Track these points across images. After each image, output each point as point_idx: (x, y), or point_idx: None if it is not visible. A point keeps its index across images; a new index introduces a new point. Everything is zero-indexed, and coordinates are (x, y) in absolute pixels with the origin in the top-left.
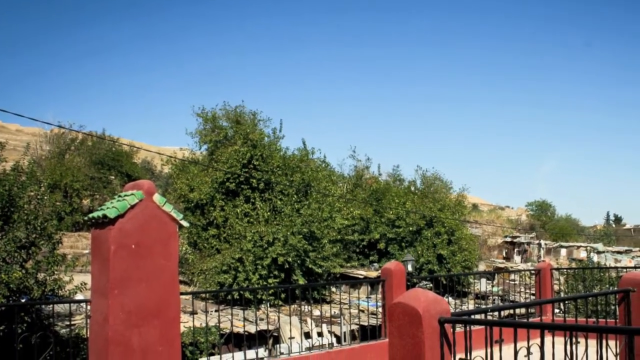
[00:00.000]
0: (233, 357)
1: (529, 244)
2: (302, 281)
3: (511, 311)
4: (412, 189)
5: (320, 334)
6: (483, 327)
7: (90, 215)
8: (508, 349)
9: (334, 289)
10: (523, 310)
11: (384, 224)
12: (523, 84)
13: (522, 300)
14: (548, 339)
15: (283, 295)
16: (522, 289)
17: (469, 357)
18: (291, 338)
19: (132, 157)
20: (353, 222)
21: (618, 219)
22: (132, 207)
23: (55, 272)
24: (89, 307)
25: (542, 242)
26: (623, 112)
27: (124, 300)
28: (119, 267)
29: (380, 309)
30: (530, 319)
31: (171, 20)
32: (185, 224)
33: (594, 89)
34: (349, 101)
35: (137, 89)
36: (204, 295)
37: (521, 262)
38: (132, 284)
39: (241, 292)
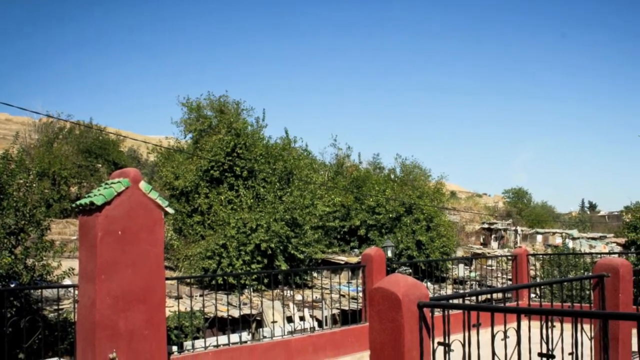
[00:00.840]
0: (217, 340)
1: (505, 230)
2: (284, 267)
3: (488, 296)
4: (392, 176)
5: (302, 318)
6: (461, 311)
7: (78, 203)
8: (485, 333)
9: (315, 275)
10: (500, 295)
11: (364, 210)
12: (500, 74)
13: (499, 285)
14: (524, 323)
15: (266, 281)
16: (499, 274)
17: (447, 341)
18: (274, 322)
19: (119, 145)
20: (334, 209)
21: (593, 206)
22: (119, 194)
23: (44, 258)
24: (76, 292)
25: (519, 228)
26: (597, 101)
27: (110, 285)
28: (105, 253)
29: (360, 294)
30: (507, 304)
31: (157, 12)
32: (170, 210)
33: (569, 79)
34: (330, 91)
35: (123, 79)
36: (188, 280)
37: (498, 248)
38: (118, 269)
39: (225, 277)
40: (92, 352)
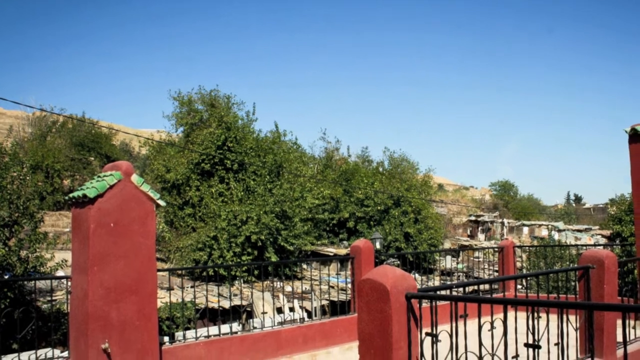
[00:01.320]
0: (208, 331)
1: (492, 222)
2: (274, 258)
3: (475, 287)
4: (380, 169)
5: (292, 309)
6: (448, 302)
7: (71, 195)
8: (472, 324)
9: (305, 266)
10: (487, 286)
11: (353, 203)
12: (486, 68)
13: (486, 277)
14: (511, 314)
15: (256, 272)
16: (486, 266)
17: (434, 332)
18: (264, 313)
19: (111, 139)
20: (323, 201)
21: (578, 199)
22: (111, 187)
23: (37, 250)
24: (69, 283)
25: (505, 220)
26: (582, 95)
27: (103, 276)
28: (98, 244)
29: (349, 285)
30: (494, 295)
31: (148, 7)
32: (162, 203)
33: (554, 73)
34: (319, 85)
35: (116, 73)
36: (180, 272)
37: (485, 240)
38: (111, 261)
39: (216, 268)
40: (84, 343)
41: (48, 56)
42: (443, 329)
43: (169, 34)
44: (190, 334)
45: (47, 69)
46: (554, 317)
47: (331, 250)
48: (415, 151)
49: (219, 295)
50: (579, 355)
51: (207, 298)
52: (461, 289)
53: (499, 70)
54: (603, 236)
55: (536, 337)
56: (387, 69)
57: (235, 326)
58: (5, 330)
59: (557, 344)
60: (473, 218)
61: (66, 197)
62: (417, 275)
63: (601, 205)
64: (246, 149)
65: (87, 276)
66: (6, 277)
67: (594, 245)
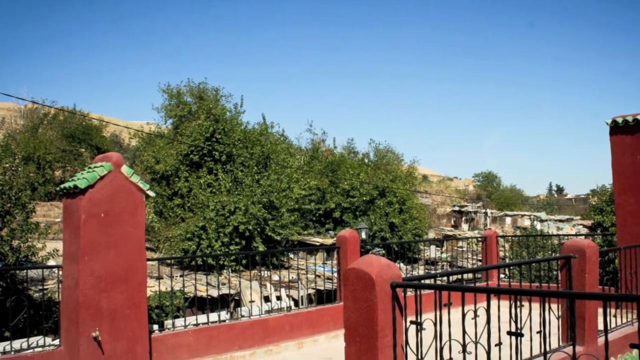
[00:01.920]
0: (197, 319)
1: (475, 212)
2: (262, 248)
3: (459, 276)
4: (366, 161)
5: (279, 298)
6: (433, 291)
7: (62, 186)
8: (456, 312)
9: (292, 256)
10: (470, 276)
11: (339, 194)
12: (470, 61)
13: (470, 266)
14: (494, 303)
15: (244, 261)
16: (470, 256)
17: (419, 320)
18: (251, 301)
19: (102, 131)
20: (310, 192)
21: (560, 189)
22: (102, 178)
23: (29, 240)
24: (60, 273)
25: (488, 211)
26: (564, 88)
27: (93, 266)
28: (89, 234)
29: (335, 274)
30: (477, 284)
31: (139, 1)
32: (151, 194)
33: (537, 66)
34: (306, 78)
35: (106, 66)
36: (169, 261)
37: (468, 230)
38: (101, 250)
39: (204, 258)
40: (75, 331)
41: (40, 49)
42: (427, 318)
43: (159, 28)
44: (179, 322)
45: (39, 62)
46: (536, 306)
47: (317, 240)
48: (400, 143)
49: (208, 284)
50: (560, 343)
51: (195, 287)
52: (445, 278)
53: (482, 63)
54: (584, 226)
55: (519, 326)
56: (372, 62)
57: (224, 314)
58: None
59: (539, 332)
60: (457, 208)
61: (57, 188)
62: (402, 264)
63: (583, 196)
64: (234, 141)
65: (78, 265)
66: None
67: (576, 235)
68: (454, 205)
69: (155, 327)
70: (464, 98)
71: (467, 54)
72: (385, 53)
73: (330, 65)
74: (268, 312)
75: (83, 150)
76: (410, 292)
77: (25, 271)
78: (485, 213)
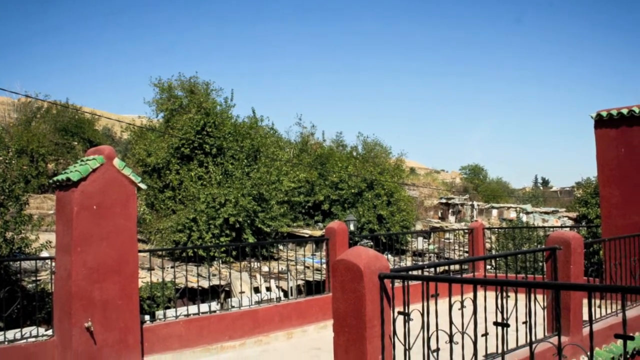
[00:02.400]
0: (187, 310)
1: (462, 205)
2: (251, 240)
3: (446, 267)
4: (354, 154)
5: (268, 289)
6: (420, 282)
7: (55, 178)
8: (443, 303)
9: (281, 247)
10: (457, 267)
11: (327, 186)
12: (458, 56)
13: (457, 258)
14: (480, 294)
15: (234, 253)
16: (457, 247)
17: (406, 310)
18: (241, 292)
19: (94, 124)
20: (299, 184)
21: (545, 182)
22: (94, 170)
23: (23, 231)
24: (53, 264)
25: (475, 203)
26: (550, 82)
27: (86, 257)
28: (81, 226)
29: (324, 266)
30: (464, 275)
31: None
32: (143, 186)
33: (523, 61)
34: (295, 73)
35: (98, 60)
36: (160, 252)
37: (455, 222)
38: (93, 242)
39: (195, 249)
40: (68, 321)
41: (33, 43)
42: (415, 308)
43: (150, 22)
44: (170, 312)
45: (33, 56)
46: (522, 297)
47: (307, 231)
48: (388, 136)
49: (198, 275)
50: (546, 334)
51: (186, 278)
52: (432, 270)
53: (470, 57)
54: (570, 218)
55: (505, 316)
56: (361, 56)
57: (214, 305)
58: None
59: (525, 323)
60: (444, 201)
61: (50, 181)
62: (389, 256)
63: (568, 189)
64: (224, 134)
65: (71, 257)
66: None
67: (561, 227)
68: (441, 198)
69: (147, 317)
70: (452, 91)
71: (454, 48)
72: (373, 47)
73: (319, 59)
74: (258, 303)
75: (76, 143)
76: (397, 283)
77: (18, 262)
78: (472, 205)
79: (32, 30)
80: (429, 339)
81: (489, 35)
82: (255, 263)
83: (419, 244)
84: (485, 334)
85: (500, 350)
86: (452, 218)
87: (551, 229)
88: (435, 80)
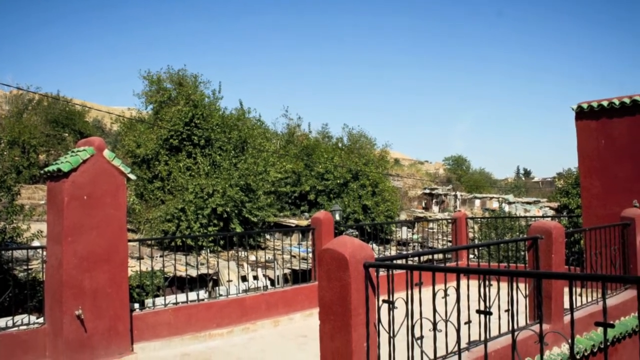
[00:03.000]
0: (176, 298)
1: (446, 195)
2: (239, 229)
3: (430, 256)
4: (340, 145)
5: (255, 277)
6: (404, 271)
7: (46, 169)
8: (427, 291)
9: (268, 237)
10: (441, 256)
11: (313, 177)
12: (442, 49)
13: (440, 247)
14: (463, 282)
15: (222, 242)
16: (440, 237)
17: (391, 299)
18: (229, 281)
19: (84, 116)
20: (286, 175)
21: (527, 173)
22: (84, 161)
23: (14, 221)
24: (44, 253)
25: (458, 193)
26: (532, 74)
27: (76, 246)
28: (72, 216)
29: (310, 255)
30: (447, 264)
31: None
32: (132, 177)
33: (505, 54)
34: (282, 65)
35: (89, 53)
36: (149, 242)
37: (439, 212)
38: (84, 231)
39: (184, 239)
40: (59, 309)
41: (25, 36)
42: (399, 297)
43: (139, 15)
44: (159, 301)
45: (24, 48)
46: (504, 285)
47: (293, 221)
48: (373, 127)
49: (187, 264)
50: (528, 321)
51: (175, 267)
52: (416, 259)
53: (455, 51)
54: (551, 208)
55: (487, 304)
56: (347, 48)
57: (202, 294)
58: None
59: (507, 311)
60: (427, 191)
61: (42, 171)
62: (374, 245)
63: (549, 179)
64: (212, 126)
65: (62, 246)
66: None
67: (543, 217)
68: (424, 188)
69: (136, 305)
70: (436, 83)
71: (439, 42)
72: (359, 40)
73: (305, 52)
74: (245, 291)
75: (66, 134)
76: (382, 272)
77: (10, 252)
78: (455, 195)
79: (24, 23)
80: (413, 326)
81: (472, 28)
82: (243, 252)
83: (403, 233)
84: (468, 322)
85: (482, 338)
86: (435, 208)
87: (533, 219)
88: (420, 72)
